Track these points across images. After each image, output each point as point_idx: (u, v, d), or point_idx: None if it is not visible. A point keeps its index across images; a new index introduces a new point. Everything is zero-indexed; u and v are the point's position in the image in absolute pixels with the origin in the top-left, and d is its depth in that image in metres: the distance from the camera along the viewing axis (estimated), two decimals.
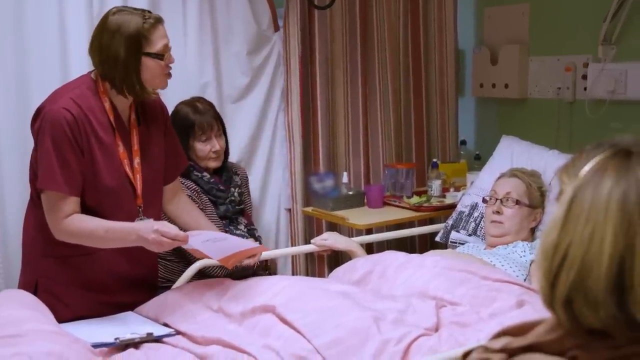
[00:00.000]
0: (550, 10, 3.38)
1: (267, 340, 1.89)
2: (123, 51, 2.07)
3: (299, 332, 1.88)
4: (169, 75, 2.18)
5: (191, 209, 2.48)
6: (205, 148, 2.74)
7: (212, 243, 2.14)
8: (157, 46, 2.11)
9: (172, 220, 2.41)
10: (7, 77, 2.66)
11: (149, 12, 2.15)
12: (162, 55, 2.13)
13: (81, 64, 2.71)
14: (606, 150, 0.86)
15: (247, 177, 3.06)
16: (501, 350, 0.87)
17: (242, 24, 3.17)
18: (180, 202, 2.45)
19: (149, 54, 2.10)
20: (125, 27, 2.07)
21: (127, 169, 2.19)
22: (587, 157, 0.87)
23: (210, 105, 2.83)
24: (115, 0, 2.80)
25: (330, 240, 2.70)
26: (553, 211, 0.90)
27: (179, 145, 2.46)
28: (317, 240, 2.73)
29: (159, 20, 2.14)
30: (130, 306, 2.27)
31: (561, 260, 0.81)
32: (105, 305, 2.23)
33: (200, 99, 2.84)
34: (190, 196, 2.64)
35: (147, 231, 2.03)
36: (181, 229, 2.30)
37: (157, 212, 2.33)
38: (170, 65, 2.18)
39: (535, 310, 1.92)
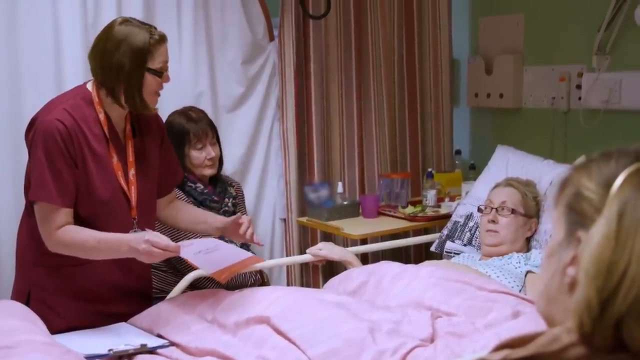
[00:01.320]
0: (545, 20, 3.39)
1: (262, 351, 1.87)
2: (127, 63, 2.07)
3: (293, 342, 1.87)
4: (159, 94, 2.18)
5: (186, 205, 2.50)
6: (200, 155, 2.74)
7: (204, 255, 2.13)
8: (157, 63, 2.11)
9: (170, 224, 2.41)
10: (1, 87, 2.65)
11: (155, 28, 2.15)
12: (161, 73, 2.13)
13: (75, 73, 2.71)
14: (636, 160, 0.84)
15: (242, 192, 3.05)
16: None
17: (237, 33, 3.18)
18: (176, 204, 2.45)
19: (149, 70, 2.10)
20: (132, 39, 2.07)
21: (122, 180, 2.18)
22: (616, 165, 0.85)
23: (203, 113, 2.84)
24: (109, 9, 2.80)
25: (325, 250, 2.70)
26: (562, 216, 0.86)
27: (175, 158, 2.46)
28: (312, 250, 2.72)
29: (164, 39, 2.15)
30: (124, 317, 2.25)
31: (620, 278, 0.78)
32: (98, 316, 2.21)
33: (192, 108, 2.85)
34: None
35: (137, 242, 2.02)
36: (180, 230, 2.30)
37: (151, 223, 2.32)
38: (164, 84, 2.18)
39: (531, 320, 1.91)
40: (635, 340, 0.78)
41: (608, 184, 0.83)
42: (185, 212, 2.43)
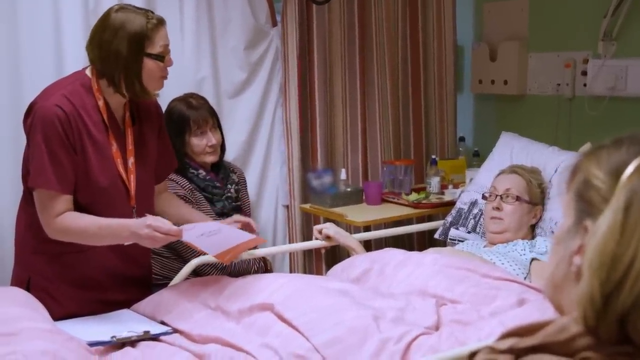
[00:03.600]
0: (550, 5, 3.36)
1: (266, 339, 1.86)
2: (125, 49, 2.05)
3: (297, 330, 1.86)
4: (165, 77, 2.16)
5: (172, 200, 2.48)
6: (201, 143, 2.73)
7: (206, 237, 2.12)
8: (158, 47, 2.09)
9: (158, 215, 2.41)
10: (1, 73, 2.63)
11: (152, 12, 2.13)
12: (163, 57, 2.11)
13: (76, 60, 2.69)
14: None
15: (244, 178, 3.04)
16: (508, 351, 0.84)
17: (240, 18, 3.15)
18: (163, 197, 2.44)
19: (149, 55, 2.08)
20: (128, 26, 2.05)
21: (121, 168, 2.16)
22: (627, 153, 0.82)
23: (204, 100, 2.82)
24: None
25: (332, 229, 2.67)
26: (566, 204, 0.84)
27: (170, 146, 2.44)
28: (321, 233, 2.67)
29: (161, 22, 2.12)
30: (124, 304, 2.24)
31: (625, 271, 0.76)
32: (98, 303, 2.20)
33: (193, 95, 2.83)
34: (184, 195, 2.62)
35: (139, 227, 2.01)
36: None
37: (151, 212, 2.30)
38: (168, 67, 2.16)
39: (536, 308, 1.90)
40: None
41: (617, 173, 0.81)
42: (175, 208, 2.41)
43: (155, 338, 2.00)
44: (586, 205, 0.84)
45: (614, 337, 0.78)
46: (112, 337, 1.94)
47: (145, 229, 2.00)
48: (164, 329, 2.04)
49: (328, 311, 1.90)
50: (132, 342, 1.96)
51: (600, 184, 0.82)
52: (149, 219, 2.03)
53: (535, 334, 0.84)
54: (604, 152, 0.85)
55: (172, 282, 2.40)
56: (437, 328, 1.89)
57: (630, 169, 0.80)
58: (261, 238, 2.42)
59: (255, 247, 2.48)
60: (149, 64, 2.09)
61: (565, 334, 0.81)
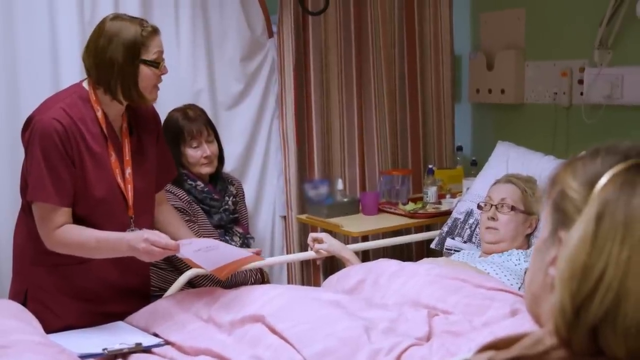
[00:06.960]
0: (546, 14, 3.36)
1: (256, 351, 1.86)
2: (120, 56, 2.07)
3: (288, 342, 1.86)
4: (158, 87, 2.17)
5: (172, 218, 2.45)
6: (196, 154, 2.73)
7: (204, 252, 2.12)
8: (152, 54, 2.11)
9: (155, 229, 2.40)
10: None
11: (146, 21, 2.15)
12: (158, 64, 2.12)
13: (72, 72, 2.70)
14: (623, 159, 0.81)
15: (242, 190, 3.04)
16: None
17: (236, 30, 3.16)
18: (164, 211, 2.43)
19: (145, 61, 2.09)
20: (123, 33, 2.07)
21: (119, 179, 2.17)
22: (602, 163, 0.81)
23: (202, 111, 2.82)
24: (106, 6, 2.79)
25: (326, 243, 2.66)
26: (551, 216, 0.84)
27: (169, 155, 2.44)
28: (315, 244, 2.67)
29: (156, 30, 2.15)
30: (122, 316, 2.24)
31: (595, 282, 0.75)
32: (97, 315, 2.20)
33: (191, 106, 2.83)
34: (181, 207, 2.62)
35: (137, 241, 2.02)
36: None
37: (150, 222, 2.31)
38: (162, 76, 2.16)
39: (529, 319, 1.88)
40: (611, 349, 0.76)
41: (591, 184, 0.80)
42: (174, 228, 2.38)
43: (147, 350, 1.99)
44: (561, 215, 0.84)
45: (586, 348, 0.77)
46: (104, 349, 1.94)
47: (143, 243, 2.01)
48: (155, 341, 2.04)
49: (319, 322, 1.89)
50: (123, 355, 1.95)
51: (575, 194, 0.82)
52: (147, 233, 2.03)
53: (511, 346, 0.84)
54: (580, 162, 0.85)
55: (166, 294, 2.40)
56: (428, 339, 1.88)
57: (603, 180, 0.79)
58: (259, 256, 2.41)
59: None
60: (144, 70, 2.10)
61: (540, 346, 0.81)
